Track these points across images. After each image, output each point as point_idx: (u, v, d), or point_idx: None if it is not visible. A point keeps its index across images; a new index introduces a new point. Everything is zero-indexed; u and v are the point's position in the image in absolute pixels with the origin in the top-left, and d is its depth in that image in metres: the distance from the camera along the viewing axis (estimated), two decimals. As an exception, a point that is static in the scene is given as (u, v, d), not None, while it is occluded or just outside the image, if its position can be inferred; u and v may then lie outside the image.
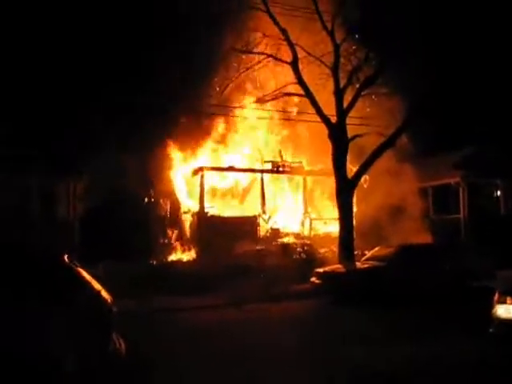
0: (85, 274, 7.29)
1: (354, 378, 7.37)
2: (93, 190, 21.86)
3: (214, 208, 23.52)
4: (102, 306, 6.78)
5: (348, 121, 19.67)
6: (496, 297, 7.00)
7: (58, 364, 5.97)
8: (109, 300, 7.13)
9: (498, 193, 26.54)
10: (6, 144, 19.06)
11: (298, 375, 7.64)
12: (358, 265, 17.20)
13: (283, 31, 19.32)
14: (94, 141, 21.16)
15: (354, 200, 21.12)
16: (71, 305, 6.31)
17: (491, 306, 7.00)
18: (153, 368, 8.03)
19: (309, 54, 19.43)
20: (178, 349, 9.75)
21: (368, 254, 18.18)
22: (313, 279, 16.47)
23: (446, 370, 7.21)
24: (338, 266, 17.28)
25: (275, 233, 23.42)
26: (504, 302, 6.77)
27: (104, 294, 7.15)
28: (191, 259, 22.45)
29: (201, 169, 23.43)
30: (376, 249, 17.87)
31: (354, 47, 20.06)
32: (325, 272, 16.35)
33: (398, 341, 9.47)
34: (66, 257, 7.14)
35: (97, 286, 7.24)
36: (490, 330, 6.99)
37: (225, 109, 22.41)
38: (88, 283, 6.90)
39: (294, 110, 23.10)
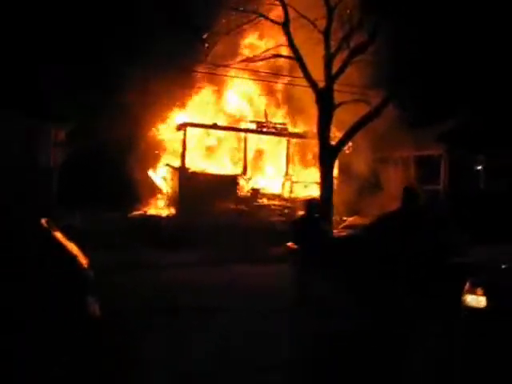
0: (62, 237, 7.30)
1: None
2: (75, 138, 21.68)
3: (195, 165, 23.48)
4: (78, 272, 6.82)
5: (336, 87, 19.52)
6: (467, 286, 7.13)
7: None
8: (85, 264, 7.16)
9: (480, 167, 26.66)
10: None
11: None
12: (335, 232, 17.34)
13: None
14: (78, 88, 20.84)
15: (336, 165, 21.15)
16: (47, 271, 6.35)
17: (462, 294, 7.15)
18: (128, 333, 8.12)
19: (301, 15, 19.09)
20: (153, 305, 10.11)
21: (346, 221, 18.35)
22: (290, 243, 16.57)
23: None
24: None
25: (255, 193, 23.47)
26: (474, 293, 6.93)
27: (81, 258, 7.18)
28: (171, 214, 22.51)
29: (184, 125, 23.26)
30: (354, 217, 18.04)
31: (348, 11, 19.73)
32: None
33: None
34: (44, 221, 7.13)
35: (74, 249, 7.27)
36: (461, 317, 7.15)
37: (213, 67, 22.09)
38: (65, 249, 6.92)
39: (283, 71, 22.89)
